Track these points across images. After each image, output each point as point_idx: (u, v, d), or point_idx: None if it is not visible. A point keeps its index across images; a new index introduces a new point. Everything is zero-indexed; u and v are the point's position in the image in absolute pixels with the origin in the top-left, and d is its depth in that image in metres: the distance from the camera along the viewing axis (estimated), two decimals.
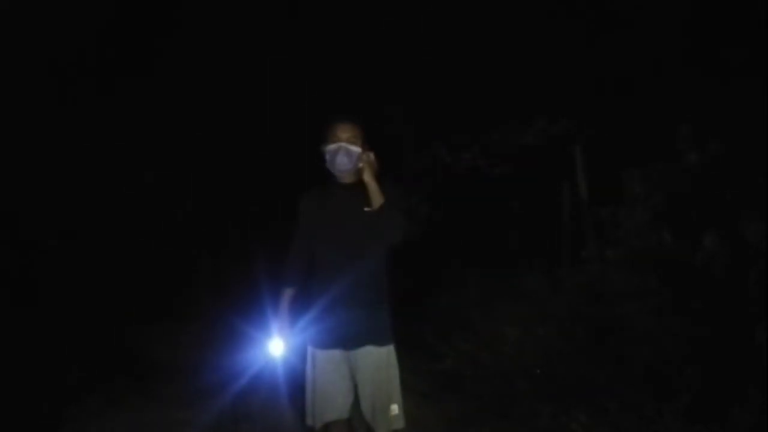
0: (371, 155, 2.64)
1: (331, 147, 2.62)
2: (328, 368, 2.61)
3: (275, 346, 2.71)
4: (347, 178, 2.67)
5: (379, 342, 2.60)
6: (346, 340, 2.58)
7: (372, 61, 5.98)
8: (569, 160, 5.47)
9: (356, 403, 2.62)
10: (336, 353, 2.60)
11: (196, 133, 7.13)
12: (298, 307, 2.71)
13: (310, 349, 2.66)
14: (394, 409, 2.60)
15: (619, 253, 4.35)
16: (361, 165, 2.62)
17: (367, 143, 2.67)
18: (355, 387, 2.62)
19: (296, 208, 2.74)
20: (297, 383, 2.78)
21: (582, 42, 4.90)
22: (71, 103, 6.27)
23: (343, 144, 2.62)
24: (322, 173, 2.73)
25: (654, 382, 3.53)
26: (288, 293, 2.73)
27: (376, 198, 2.57)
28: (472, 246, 6.02)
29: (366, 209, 2.60)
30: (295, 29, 6.61)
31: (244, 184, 7.53)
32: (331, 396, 2.59)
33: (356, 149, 2.62)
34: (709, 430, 3.13)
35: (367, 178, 2.59)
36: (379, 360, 2.59)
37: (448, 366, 4.55)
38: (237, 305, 5.18)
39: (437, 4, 5.55)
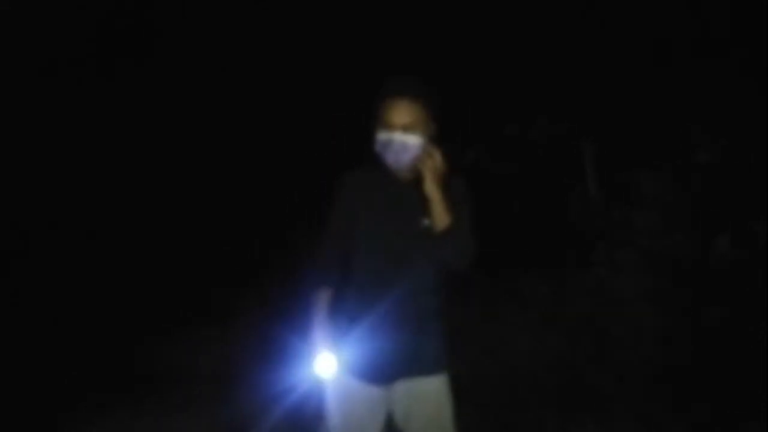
0: (436, 154, 1.97)
1: (381, 137, 1.97)
2: (362, 406, 2.05)
3: (324, 363, 2.07)
4: (405, 171, 2.04)
5: (431, 370, 2.08)
6: (391, 370, 2.04)
7: (376, 59, 5.93)
8: (578, 160, 5.40)
9: None
10: (375, 389, 2.05)
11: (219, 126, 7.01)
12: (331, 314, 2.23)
13: (339, 374, 2.09)
14: None
15: (629, 255, 4.29)
16: (421, 166, 1.98)
17: (435, 125, 2.02)
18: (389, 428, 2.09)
19: (336, 189, 2.12)
20: None
21: (590, 38, 4.83)
22: (87, 98, 6.26)
23: (397, 136, 1.96)
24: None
25: (664, 390, 3.46)
26: (324, 295, 2.13)
27: (441, 217, 1.97)
28: (477, 248, 5.94)
29: (426, 222, 2.02)
30: (297, 26, 6.55)
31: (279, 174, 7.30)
32: None
33: (415, 142, 1.96)
34: None
35: (430, 189, 1.96)
36: (431, 393, 2.08)
37: (452, 373, 4.48)
38: (273, 305, 5.04)
39: (442, 2, 5.51)
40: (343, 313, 2.10)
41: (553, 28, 5.00)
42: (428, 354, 2.07)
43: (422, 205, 2.00)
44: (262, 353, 4.73)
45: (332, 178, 2.16)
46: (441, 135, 2.05)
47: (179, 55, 6.61)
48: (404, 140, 1.96)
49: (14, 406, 3.75)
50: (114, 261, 6.22)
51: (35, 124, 6.05)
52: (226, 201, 6.82)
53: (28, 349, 4.53)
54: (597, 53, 4.83)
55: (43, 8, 5.77)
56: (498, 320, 4.75)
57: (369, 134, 2.04)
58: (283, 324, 4.93)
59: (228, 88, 6.65)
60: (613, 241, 4.47)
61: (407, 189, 2.05)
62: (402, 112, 1.97)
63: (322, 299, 2.12)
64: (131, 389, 4.17)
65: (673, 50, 4.49)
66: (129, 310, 5.40)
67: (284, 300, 4.56)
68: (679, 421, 3.25)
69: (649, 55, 4.57)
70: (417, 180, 2.00)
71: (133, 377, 4.40)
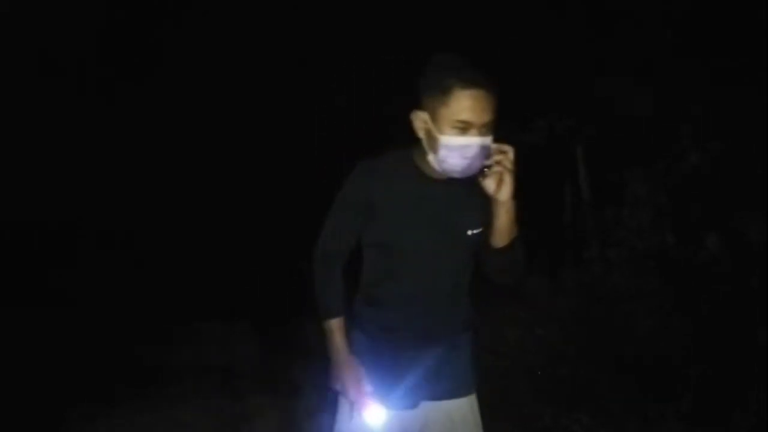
0: (510, 151, 1.62)
1: (454, 141, 1.58)
2: None
3: (374, 414, 1.76)
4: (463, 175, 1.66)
5: (460, 391, 1.86)
6: (419, 391, 1.80)
7: (374, 60, 5.96)
8: (571, 160, 5.45)
9: None
10: (400, 414, 1.79)
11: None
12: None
13: (343, 400, 1.85)
14: None
15: (621, 253, 4.34)
16: (489, 170, 1.61)
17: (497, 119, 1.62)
18: None
19: (350, 179, 1.77)
20: None
21: (582, 40, 4.89)
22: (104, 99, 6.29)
23: (477, 140, 1.58)
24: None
25: (656, 384, 3.51)
26: (339, 327, 1.80)
27: (511, 230, 1.67)
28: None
29: (471, 232, 1.74)
30: (296, 25, 6.58)
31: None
32: None
33: (490, 143, 1.61)
34: None
35: (505, 195, 1.62)
36: (460, 417, 1.86)
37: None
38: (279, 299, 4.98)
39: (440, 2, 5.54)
40: (360, 330, 1.83)
41: (544, 29, 5.06)
42: (459, 372, 1.86)
43: (466, 209, 1.73)
44: (267, 347, 4.76)
45: (336, 175, 1.90)
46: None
47: (185, 61, 6.64)
48: (484, 144, 1.59)
49: (20, 400, 3.77)
50: (121, 256, 6.24)
51: (37, 126, 6.08)
52: (233, 198, 6.83)
53: (34, 343, 4.54)
54: (587, 53, 4.89)
55: (43, 8, 5.80)
56: (493, 316, 4.78)
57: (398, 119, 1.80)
58: (284, 324, 5.00)
59: (237, 95, 6.69)
60: (606, 239, 4.52)
61: (441, 188, 1.72)
62: (482, 108, 1.58)
63: (339, 332, 1.79)
64: (136, 383, 4.18)
65: (664, 50, 4.55)
66: (134, 304, 5.42)
67: (288, 295, 4.58)
68: (671, 414, 3.29)
69: (639, 55, 4.63)
70: (453, 178, 1.67)
71: (138, 371, 4.41)
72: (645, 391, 3.48)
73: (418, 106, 1.67)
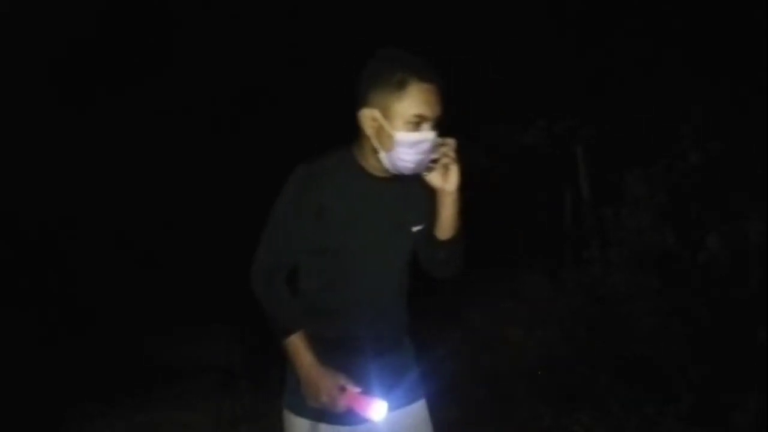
0: (452, 142, 1.61)
1: (409, 138, 1.55)
2: None
3: (377, 410, 1.64)
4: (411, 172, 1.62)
5: (417, 393, 1.82)
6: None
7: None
8: (571, 160, 5.45)
9: None
10: (355, 430, 1.70)
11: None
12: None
13: (299, 422, 1.71)
14: None
15: (621, 253, 4.33)
16: (434, 163, 1.60)
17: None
18: None
19: (293, 184, 1.67)
20: None
21: (583, 41, 4.89)
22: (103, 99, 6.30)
23: (430, 134, 1.57)
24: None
25: (656, 384, 3.51)
26: (303, 340, 1.67)
27: (454, 224, 1.66)
28: (473, 246, 6.00)
29: (416, 229, 1.71)
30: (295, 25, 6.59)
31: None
32: None
33: (438, 139, 1.60)
34: None
35: (449, 189, 1.61)
36: (422, 419, 1.83)
37: (448, 368, 4.53)
38: None
39: (438, 3, 5.55)
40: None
41: (545, 30, 5.06)
42: (412, 375, 1.80)
43: (407, 206, 1.70)
44: (267, 348, 4.75)
45: None
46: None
47: (189, 61, 6.65)
48: (433, 138, 1.57)
49: (21, 399, 3.78)
50: (121, 257, 6.25)
51: (37, 127, 6.08)
52: (234, 199, 6.83)
53: (34, 343, 4.55)
54: (587, 54, 4.90)
55: (42, 9, 5.80)
56: (494, 315, 4.79)
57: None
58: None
59: (237, 95, 6.69)
60: (606, 239, 4.52)
61: (386, 186, 1.67)
62: (435, 101, 1.57)
63: (304, 346, 1.66)
64: (136, 383, 4.20)
65: (665, 51, 4.55)
66: (135, 304, 5.43)
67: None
68: (671, 414, 3.30)
69: (640, 56, 4.63)
70: (395, 175, 1.64)
71: (138, 371, 4.42)
72: (645, 391, 3.48)
73: (364, 103, 1.61)
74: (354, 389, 1.65)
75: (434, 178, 1.61)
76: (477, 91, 5.40)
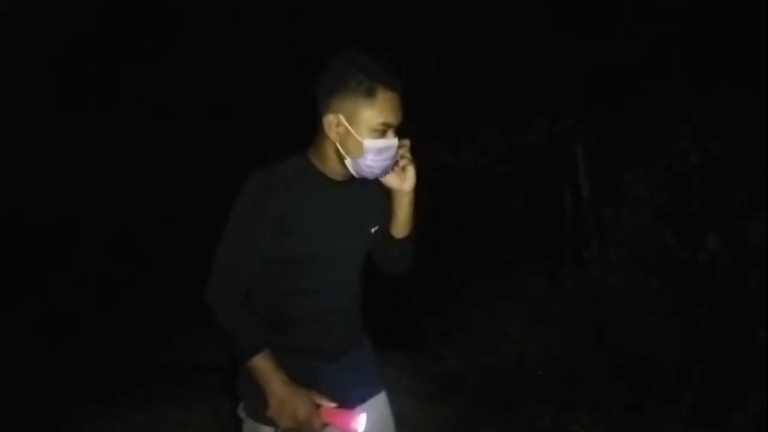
0: (407, 143, 1.64)
1: (375, 144, 1.55)
2: None
3: (359, 421, 1.61)
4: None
5: (374, 389, 1.83)
6: (345, 404, 1.68)
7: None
8: (571, 160, 5.45)
9: None
10: None
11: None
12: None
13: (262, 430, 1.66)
14: None
15: (621, 253, 4.34)
16: (398, 167, 1.63)
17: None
18: None
19: (250, 192, 1.62)
20: None
21: (582, 41, 4.89)
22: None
23: (395, 140, 1.59)
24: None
25: (656, 384, 3.52)
26: (269, 358, 1.60)
27: (409, 223, 1.69)
28: (473, 246, 6.00)
29: (374, 230, 1.72)
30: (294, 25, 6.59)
31: None
32: None
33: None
34: None
35: (406, 189, 1.64)
36: (380, 413, 1.81)
37: (449, 367, 4.53)
38: None
39: (438, 3, 5.55)
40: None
41: (545, 29, 5.06)
42: (367, 371, 1.81)
43: (365, 208, 1.70)
44: None
45: None
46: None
47: (189, 60, 6.65)
48: (397, 143, 1.59)
49: (21, 399, 3.78)
50: (121, 258, 6.25)
51: (36, 126, 6.09)
52: (234, 199, 6.84)
53: (34, 343, 4.55)
54: (587, 54, 4.89)
55: (42, 9, 5.81)
56: (494, 315, 4.79)
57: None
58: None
59: (238, 95, 6.69)
60: (606, 239, 4.52)
61: (344, 189, 1.67)
62: (400, 107, 1.58)
63: (271, 365, 1.59)
64: (136, 383, 4.19)
65: (665, 50, 4.55)
66: (135, 304, 5.42)
67: None
68: (671, 414, 3.30)
69: (641, 55, 4.63)
70: (352, 178, 1.64)
71: (138, 371, 4.42)
72: (645, 391, 3.48)
73: (327, 109, 1.58)
74: (329, 405, 1.61)
75: (391, 179, 1.64)
76: (477, 91, 5.41)
